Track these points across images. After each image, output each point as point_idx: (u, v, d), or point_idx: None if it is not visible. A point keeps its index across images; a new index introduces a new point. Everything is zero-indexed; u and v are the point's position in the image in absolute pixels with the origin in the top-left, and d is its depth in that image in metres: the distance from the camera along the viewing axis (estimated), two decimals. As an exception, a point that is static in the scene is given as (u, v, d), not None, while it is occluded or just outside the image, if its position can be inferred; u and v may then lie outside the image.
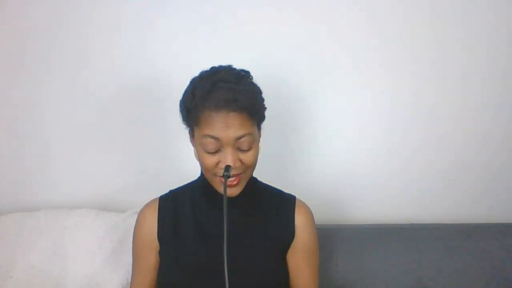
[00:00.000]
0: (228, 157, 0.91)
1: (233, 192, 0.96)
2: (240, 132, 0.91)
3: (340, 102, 1.41)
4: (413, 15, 1.38)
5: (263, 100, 0.99)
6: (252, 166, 0.97)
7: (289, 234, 1.04)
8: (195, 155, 0.99)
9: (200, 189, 1.04)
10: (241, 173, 0.95)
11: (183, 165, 1.36)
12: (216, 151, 0.92)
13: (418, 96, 1.41)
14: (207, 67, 1.01)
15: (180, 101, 0.98)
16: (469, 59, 1.40)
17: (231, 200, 0.94)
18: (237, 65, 1.02)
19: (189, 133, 1.00)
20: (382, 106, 1.41)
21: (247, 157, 0.94)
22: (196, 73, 1.03)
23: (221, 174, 0.92)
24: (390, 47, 1.39)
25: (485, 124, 1.43)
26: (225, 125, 0.90)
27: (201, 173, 1.04)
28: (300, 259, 1.04)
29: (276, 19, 1.37)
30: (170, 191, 1.09)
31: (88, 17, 1.36)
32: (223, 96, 0.90)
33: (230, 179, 0.92)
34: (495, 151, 1.44)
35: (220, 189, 0.95)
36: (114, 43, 1.37)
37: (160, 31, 1.36)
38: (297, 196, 1.09)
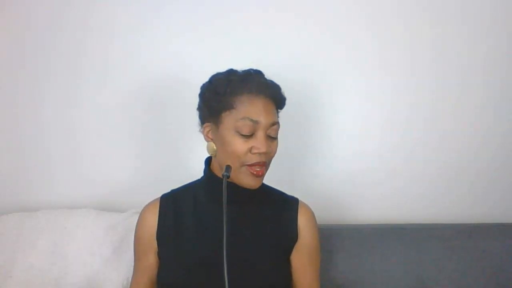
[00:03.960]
0: (262, 142, 0.93)
1: (257, 182, 0.96)
2: (274, 119, 0.97)
3: (339, 102, 1.41)
4: (413, 15, 1.39)
5: None
6: (273, 157, 0.99)
7: (292, 235, 1.04)
8: (208, 149, 0.99)
9: (203, 187, 1.04)
10: (266, 163, 0.96)
11: (183, 165, 1.36)
12: (250, 136, 0.94)
13: (418, 96, 1.41)
14: (207, 68, 1.02)
15: (202, 93, 1.01)
16: (469, 59, 1.41)
17: (234, 199, 0.94)
18: (238, 65, 1.02)
19: (204, 128, 1.00)
20: (382, 106, 1.41)
21: (273, 146, 0.97)
22: (196, 73, 1.03)
23: (250, 162, 0.94)
24: (390, 47, 1.39)
25: (485, 124, 1.43)
26: (264, 110, 0.94)
27: (205, 173, 1.04)
28: (304, 260, 1.04)
29: (277, 20, 1.37)
30: (172, 191, 1.09)
31: (87, 18, 1.36)
32: (262, 81, 0.97)
33: (257, 168, 0.94)
34: (495, 151, 1.44)
35: (244, 180, 0.96)
36: (113, 44, 1.37)
37: (160, 31, 1.36)
38: (298, 198, 1.10)
